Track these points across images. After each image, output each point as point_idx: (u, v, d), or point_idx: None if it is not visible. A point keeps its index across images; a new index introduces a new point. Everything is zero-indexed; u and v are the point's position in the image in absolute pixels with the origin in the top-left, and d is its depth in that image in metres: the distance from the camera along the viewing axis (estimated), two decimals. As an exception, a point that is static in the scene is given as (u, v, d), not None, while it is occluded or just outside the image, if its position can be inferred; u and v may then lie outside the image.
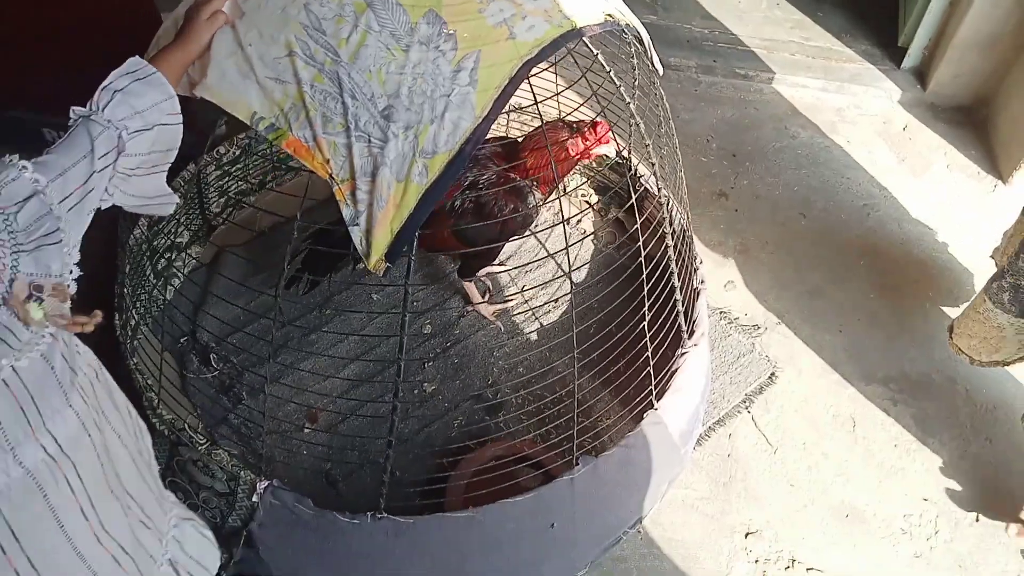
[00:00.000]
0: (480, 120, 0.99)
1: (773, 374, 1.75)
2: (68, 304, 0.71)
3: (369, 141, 0.97)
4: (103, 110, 0.83)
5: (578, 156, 1.42)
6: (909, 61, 2.47)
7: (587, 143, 1.40)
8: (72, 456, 0.73)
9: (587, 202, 1.98)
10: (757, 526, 1.52)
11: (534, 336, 1.74)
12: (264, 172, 1.87)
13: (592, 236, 1.90)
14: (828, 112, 2.39)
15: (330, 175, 0.98)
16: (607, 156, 1.52)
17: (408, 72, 0.98)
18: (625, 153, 1.78)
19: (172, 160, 0.94)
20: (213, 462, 1.23)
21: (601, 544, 1.42)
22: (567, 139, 1.41)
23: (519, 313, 1.78)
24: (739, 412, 1.69)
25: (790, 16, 2.65)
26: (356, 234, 1.00)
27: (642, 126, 1.24)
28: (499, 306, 1.77)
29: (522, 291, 1.80)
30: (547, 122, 1.37)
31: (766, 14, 2.66)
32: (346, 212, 0.99)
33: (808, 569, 1.47)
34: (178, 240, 1.74)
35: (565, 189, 1.99)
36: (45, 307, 0.69)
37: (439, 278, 1.82)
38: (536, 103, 1.08)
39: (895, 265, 2.00)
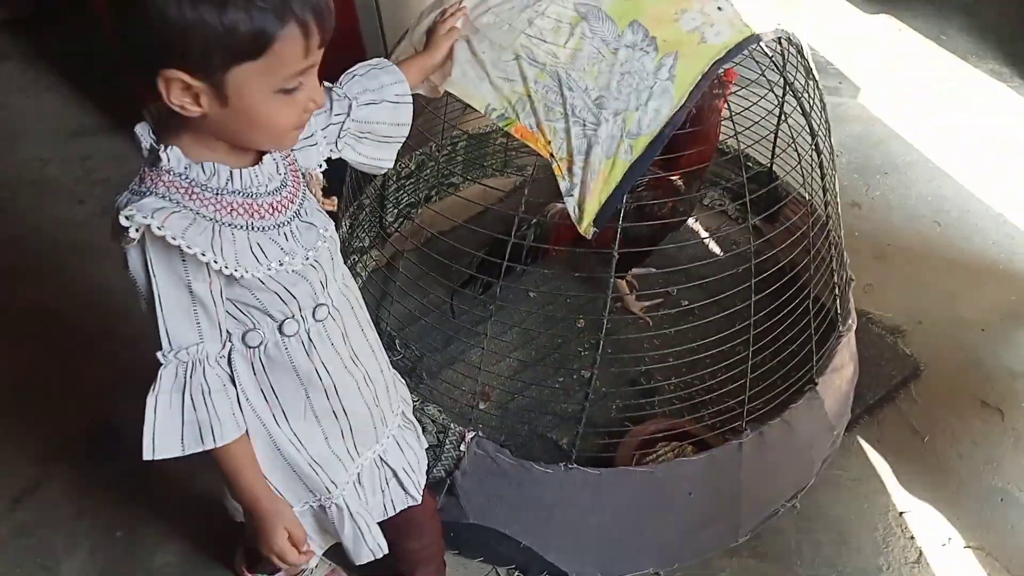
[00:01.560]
0: (678, 108, 1.16)
1: (918, 369, 1.82)
2: (319, 189, 0.98)
3: (584, 125, 1.16)
4: (343, 86, 1.05)
5: (722, 105, 1.53)
6: (1038, 77, 2.52)
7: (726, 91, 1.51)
8: (346, 295, 0.99)
9: (726, 213, 2.12)
10: (910, 507, 1.58)
11: (684, 331, 1.86)
12: (430, 187, 2.11)
13: (734, 243, 2.03)
14: (957, 127, 2.45)
15: (551, 154, 1.17)
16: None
17: (616, 69, 1.16)
18: (764, 160, 1.94)
19: (404, 135, 1.12)
20: (426, 416, 1.41)
21: (762, 514, 1.52)
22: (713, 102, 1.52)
23: (666, 311, 1.92)
24: (886, 403, 1.76)
25: (913, 39, 2.76)
26: (571, 203, 1.18)
27: (815, 121, 1.38)
28: (647, 303, 1.92)
29: (668, 291, 1.95)
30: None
31: (888, 38, 2.77)
32: (563, 185, 1.17)
33: (965, 547, 1.51)
34: (360, 244, 1.98)
35: (704, 202, 2.15)
36: (316, 190, 0.96)
37: (588, 280, 1.99)
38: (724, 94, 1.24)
39: (1035, 270, 2.03)
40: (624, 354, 1.83)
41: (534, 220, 1.80)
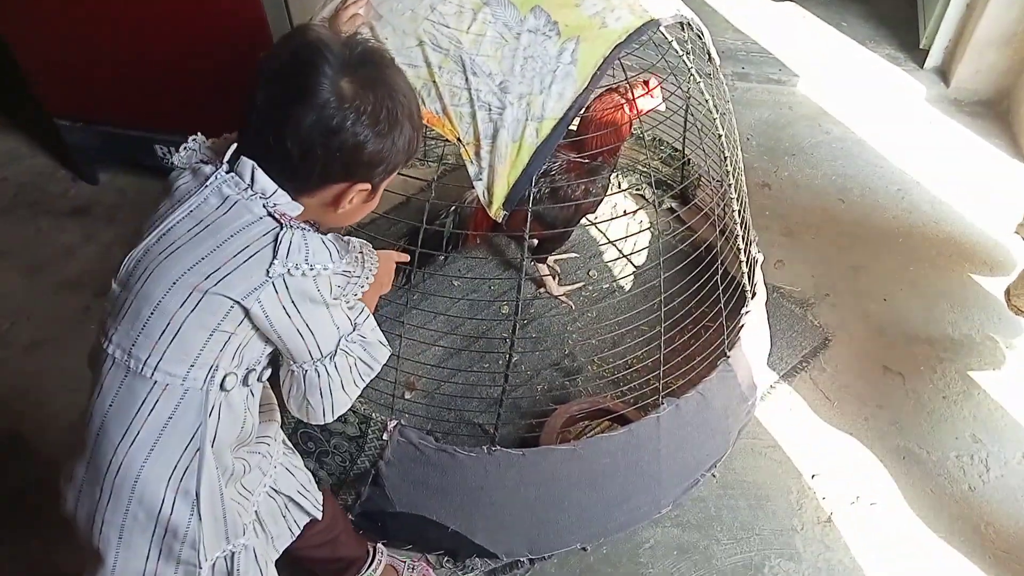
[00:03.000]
0: (581, 91, 1.19)
1: (827, 339, 1.91)
2: None
3: (490, 109, 1.17)
4: None
5: (633, 113, 1.57)
6: (931, 61, 2.66)
7: (639, 96, 1.55)
8: None
9: (642, 196, 2.17)
10: (821, 470, 1.66)
11: (604, 311, 1.91)
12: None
13: (651, 226, 2.08)
14: (857, 110, 2.57)
15: (458, 139, 1.18)
16: (657, 111, 1.64)
17: (520, 54, 1.18)
18: (677, 144, 2.00)
19: None
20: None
21: (682, 484, 1.57)
22: (619, 102, 1.56)
23: (585, 295, 1.96)
24: (797, 372, 1.84)
25: (816, 27, 2.87)
26: (480, 187, 1.19)
27: (711, 101, 1.43)
28: (569, 287, 1.95)
29: (589, 273, 1.99)
30: (603, 92, 1.55)
31: (793, 25, 2.88)
32: (471, 170, 1.19)
33: (871, 504, 1.60)
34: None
35: (620, 186, 2.20)
36: None
37: (511, 266, 2.01)
38: (627, 79, 1.27)
39: (930, 241, 2.15)
40: (548, 337, 1.87)
41: (452, 207, 1.81)
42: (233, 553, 0.96)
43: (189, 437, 0.85)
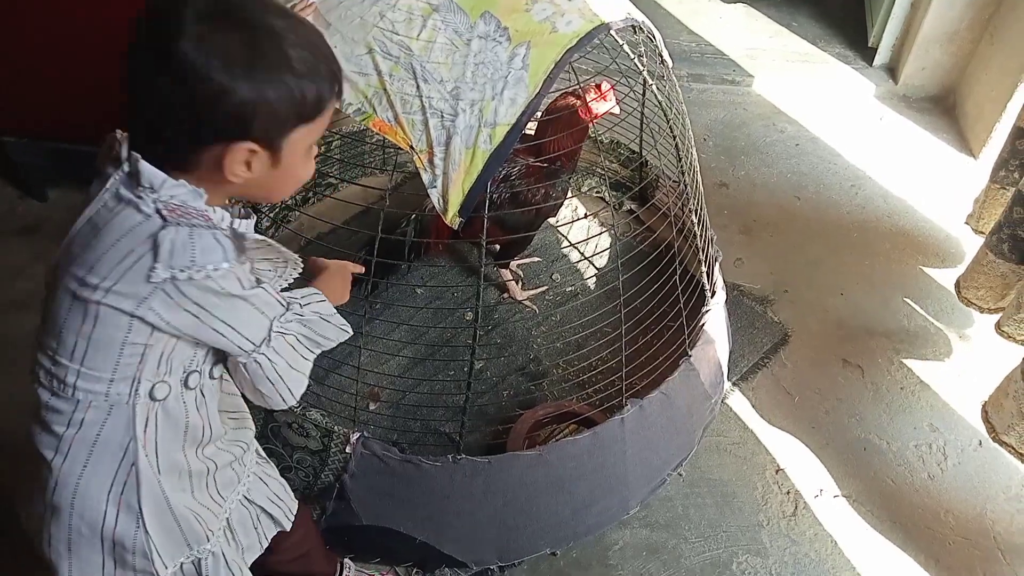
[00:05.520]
0: (533, 96, 1.19)
1: (786, 335, 1.93)
2: None
3: (442, 116, 1.17)
4: None
5: (588, 117, 1.58)
6: (879, 59, 2.73)
7: (593, 100, 1.55)
8: None
9: (602, 198, 2.18)
10: (785, 464, 1.68)
11: (567, 315, 1.91)
12: (307, 188, 2.07)
13: (610, 228, 2.10)
14: (810, 109, 2.62)
15: (411, 146, 1.17)
16: (613, 114, 1.64)
17: (471, 60, 1.18)
18: (635, 146, 2.01)
19: None
20: (308, 422, 1.38)
21: (650, 484, 1.57)
22: (576, 104, 1.57)
23: (549, 298, 1.96)
24: (759, 369, 1.86)
25: (767, 27, 2.92)
26: (434, 195, 1.18)
27: (664, 103, 1.44)
28: (532, 292, 1.95)
29: (551, 277, 1.99)
30: (557, 96, 1.55)
31: (745, 26, 2.92)
32: (425, 177, 1.18)
33: (835, 496, 1.62)
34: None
35: (580, 189, 2.21)
36: None
37: (474, 272, 2.00)
38: (580, 84, 1.28)
39: (884, 235, 2.20)
40: (513, 342, 1.86)
41: (413, 215, 1.80)
42: (200, 559, 0.94)
43: (122, 453, 0.82)
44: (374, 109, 1.17)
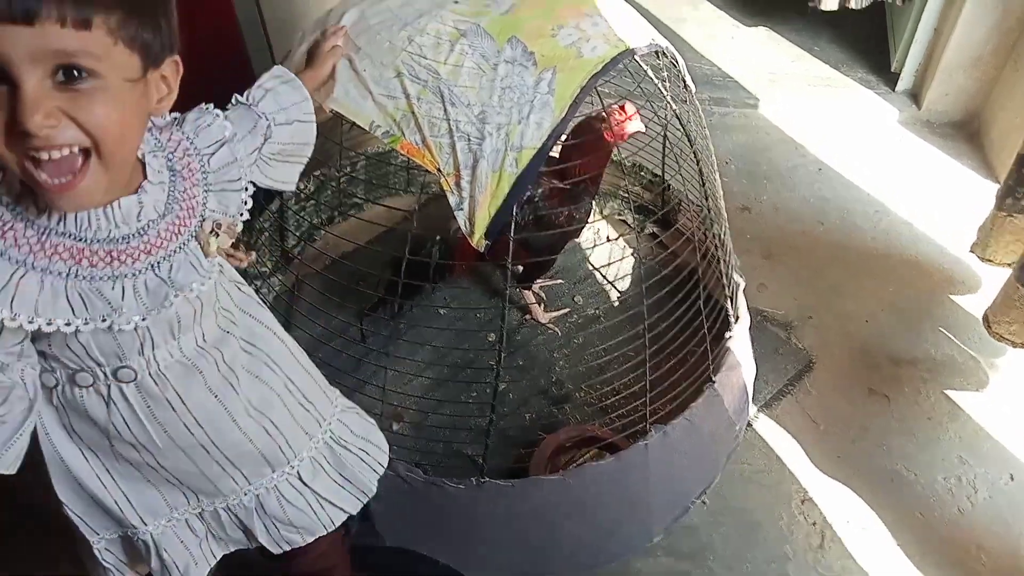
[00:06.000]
0: (559, 120, 1.19)
1: (810, 362, 1.91)
2: (232, 241, 0.86)
3: (469, 140, 1.17)
4: (257, 103, 0.97)
5: (612, 139, 1.58)
6: (902, 84, 2.72)
7: (618, 123, 1.55)
8: (219, 347, 0.90)
9: (624, 221, 2.18)
10: (811, 494, 1.65)
11: (590, 338, 1.90)
12: (332, 208, 2.09)
13: (634, 251, 2.09)
14: (833, 133, 2.61)
15: (438, 169, 1.17)
16: (639, 133, 1.62)
17: (498, 84, 1.18)
18: (658, 170, 2.01)
19: (308, 155, 1.07)
20: (329, 441, 1.38)
21: (673, 512, 1.55)
22: (601, 126, 1.57)
23: (572, 321, 1.95)
24: (783, 396, 1.84)
25: (789, 51, 2.92)
26: (461, 218, 1.18)
27: (687, 127, 1.44)
28: (555, 313, 1.95)
29: (574, 299, 1.98)
30: (583, 119, 1.56)
31: (766, 50, 2.93)
32: (452, 200, 1.18)
33: (863, 528, 1.59)
34: (262, 270, 1.93)
35: (603, 212, 2.21)
36: (220, 241, 0.84)
37: (496, 294, 2.00)
38: (604, 107, 1.28)
39: (910, 262, 2.17)
40: (535, 365, 1.85)
41: (438, 237, 1.80)
42: (130, 537, 0.96)
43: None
44: (402, 132, 1.18)
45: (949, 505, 1.63)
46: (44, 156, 0.64)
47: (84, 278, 0.73)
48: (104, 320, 0.75)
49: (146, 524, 0.95)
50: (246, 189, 0.89)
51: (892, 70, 2.77)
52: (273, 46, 1.94)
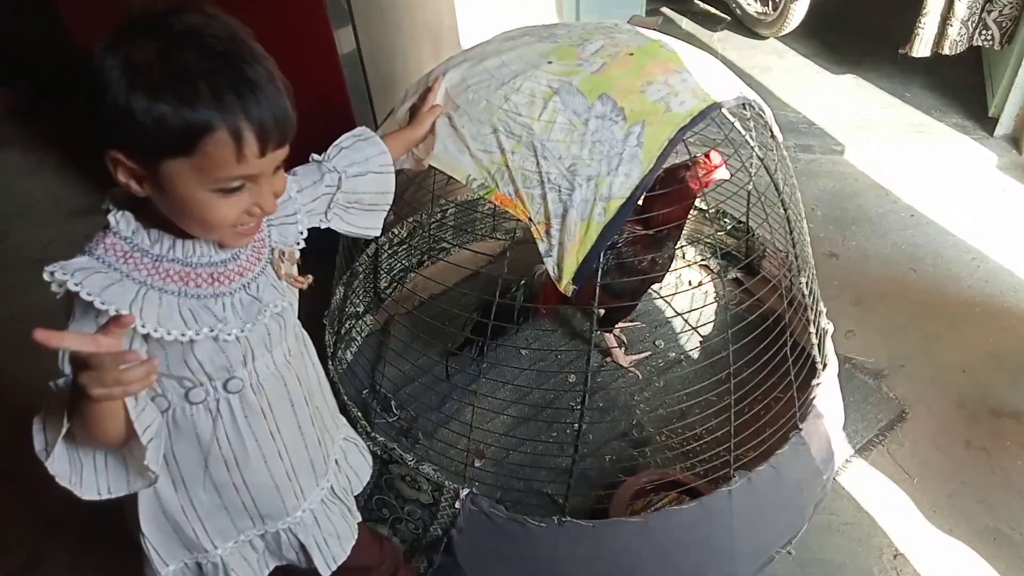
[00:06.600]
0: (647, 172, 1.24)
1: (903, 411, 1.86)
2: (295, 267, 1.00)
3: (559, 191, 1.24)
4: (331, 159, 1.12)
5: (698, 187, 1.61)
6: (1001, 129, 2.64)
7: (704, 172, 1.58)
8: (297, 362, 1.02)
9: (706, 266, 2.19)
10: (904, 549, 1.59)
11: (671, 382, 1.91)
12: (423, 251, 2.19)
13: (719, 298, 2.10)
14: (926, 179, 2.56)
15: (529, 218, 1.24)
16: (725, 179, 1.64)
17: (588, 138, 1.25)
18: (742, 217, 2.03)
19: (389, 203, 1.19)
20: (420, 475, 1.44)
21: (757, 561, 1.53)
22: (687, 175, 1.61)
23: (653, 364, 1.97)
24: (874, 446, 1.79)
25: (879, 98, 2.89)
26: (550, 264, 1.24)
27: (774, 175, 1.46)
28: (636, 357, 1.97)
29: (655, 343, 2.00)
30: (668, 168, 1.59)
31: (855, 97, 2.91)
32: (542, 247, 1.24)
33: (961, 588, 1.53)
34: (355, 309, 2.04)
35: (685, 257, 2.23)
36: (286, 267, 0.98)
37: (577, 336, 2.04)
38: (691, 156, 1.32)
39: (1010, 311, 2.09)
40: (616, 407, 1.88)
41: (523, 281, 1.87)
42: (199, 563, 1.04)
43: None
44: (496, 184, 1.26)
45: (1057, 569, 1.55)
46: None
47: (192, 296, 0.86)
48: (212, 331, 0.87)
49: (216, 547, 1.04)
50: (299, 222, 1.02)
51: (990, 115, 2.70)
52: (375, 106, 2.08)
